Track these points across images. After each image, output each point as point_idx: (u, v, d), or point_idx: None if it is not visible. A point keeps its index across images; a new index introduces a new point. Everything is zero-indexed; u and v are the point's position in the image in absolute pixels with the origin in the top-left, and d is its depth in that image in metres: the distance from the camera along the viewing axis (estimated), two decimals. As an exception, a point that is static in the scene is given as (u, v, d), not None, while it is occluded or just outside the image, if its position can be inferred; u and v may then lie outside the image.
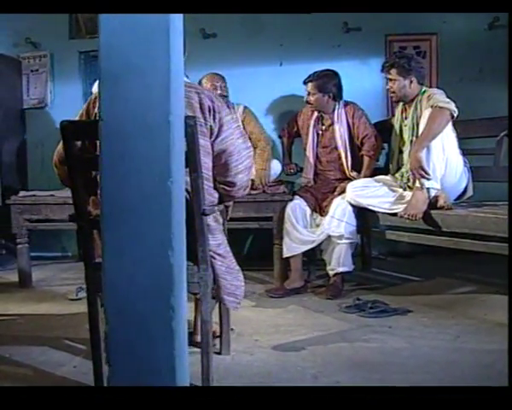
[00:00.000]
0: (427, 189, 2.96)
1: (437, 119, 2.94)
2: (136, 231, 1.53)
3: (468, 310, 2.96)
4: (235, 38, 4.44)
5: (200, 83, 3.72)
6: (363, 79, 4.37)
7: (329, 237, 3.32)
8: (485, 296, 3.24)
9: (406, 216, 2.96)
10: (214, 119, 1.98)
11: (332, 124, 3.57)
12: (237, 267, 2.12)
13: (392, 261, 4.33)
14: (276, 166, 3.72)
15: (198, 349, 2.35)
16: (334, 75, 3.55)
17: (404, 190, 3.20)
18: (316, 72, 3.54)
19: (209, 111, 1.97)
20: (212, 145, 2.01)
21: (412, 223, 3.00)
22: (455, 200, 3.21)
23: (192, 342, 2.42)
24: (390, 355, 2.34)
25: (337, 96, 3.55)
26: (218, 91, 3.61)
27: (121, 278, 1.55)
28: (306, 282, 3.48)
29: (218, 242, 2.02)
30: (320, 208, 3.44)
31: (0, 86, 4.17)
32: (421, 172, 2.93)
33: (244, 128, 3.75)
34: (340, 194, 3.38)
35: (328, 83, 3.52)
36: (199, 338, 2.44)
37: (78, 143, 1.90)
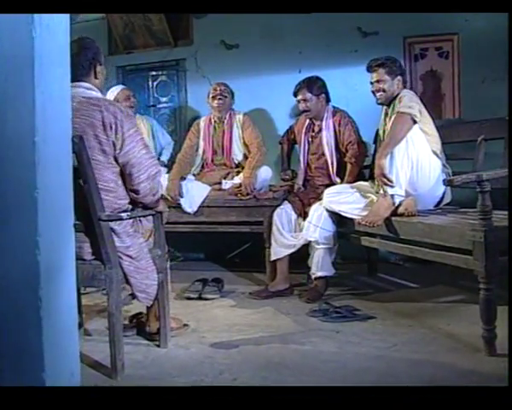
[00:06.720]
0: (392, 195, 2.94)
1: (398, 125, 2.91)
2: (9, 233, 1.82)
3: (434, 319, 2.88)
4: (256, 47, 4.62)
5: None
6: (380, 83, 4.34)
7: (310, 242, 3.39)
8: (470, 306, 3.09)
9: (363, 223, 2.96)
10: (116, 134, 2.21)
11: (320, 131, 3.64)
12: (151, 268, 2.33)
13: (408, 267, 4.22)
14: (264, 173, 3.83)
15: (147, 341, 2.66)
16: (318, 79, 3.63)
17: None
18: (301, 80, 3.64)
19: (111, 128, 2.19)
20: (117, 158, 2.25)
21: (379, 229, 2.99)
22: (435, 206, 3.14)
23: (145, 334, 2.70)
24: (309, 359, 2.39)
25: (328, 97, 3.62)
26: (215, 104, 3.86)
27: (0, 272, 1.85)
28: (292, 286, 3.55)
29: (126, 245, 2.23)
30: (305, 213, 3.52)
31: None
32: (383, 179, 2.92)
33: (242, 134, 3.94)
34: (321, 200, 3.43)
35: (317, 85, 3.60)
36: (151, 330, 2.71)
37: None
